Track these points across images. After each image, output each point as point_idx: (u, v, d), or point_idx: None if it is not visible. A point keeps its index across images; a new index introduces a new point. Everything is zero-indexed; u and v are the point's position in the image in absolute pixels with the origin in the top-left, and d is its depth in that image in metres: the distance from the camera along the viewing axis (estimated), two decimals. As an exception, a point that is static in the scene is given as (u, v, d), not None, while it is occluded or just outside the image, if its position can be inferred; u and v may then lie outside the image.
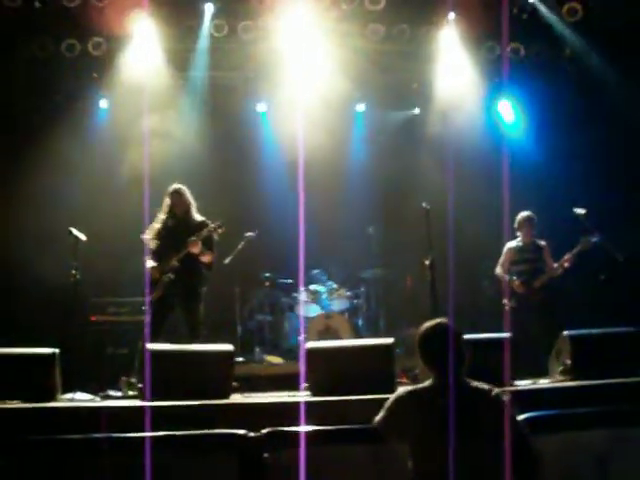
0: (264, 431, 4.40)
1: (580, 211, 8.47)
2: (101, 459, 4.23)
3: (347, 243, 10.74)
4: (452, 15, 10.17)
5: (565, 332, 6.90)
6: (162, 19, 9.84)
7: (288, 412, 5.41)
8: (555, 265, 8.66)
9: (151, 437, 4.37)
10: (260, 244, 9.90)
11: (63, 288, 7.88)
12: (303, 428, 4.52)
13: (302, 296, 10.26)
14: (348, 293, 10.46)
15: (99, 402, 6.67)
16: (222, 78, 10.97)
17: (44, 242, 9.34)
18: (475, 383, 3.96)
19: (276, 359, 9.79)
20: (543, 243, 8.85)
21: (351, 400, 5.88)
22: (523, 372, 6.92)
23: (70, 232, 7.62)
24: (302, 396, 6.33)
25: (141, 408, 5.66)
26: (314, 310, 10.23)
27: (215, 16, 9.92)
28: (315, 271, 10.61)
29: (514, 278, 8.70)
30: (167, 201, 7.96)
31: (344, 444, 4.50)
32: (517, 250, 8.84)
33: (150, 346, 6.53)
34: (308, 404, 5.88)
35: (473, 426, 3.80)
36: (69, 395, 6.71)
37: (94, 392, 7.08)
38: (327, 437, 4.51)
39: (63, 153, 9.94)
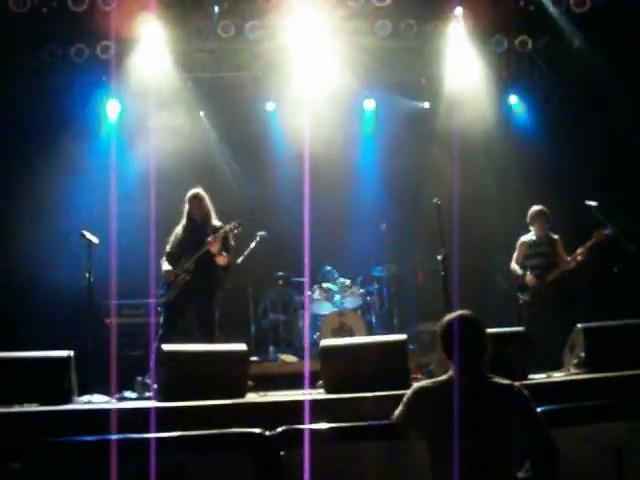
0: (280, 429, 4.41)
1: (592, 204, 8.45)
2: (117, 460, 4.25)
3: (359, 240, 10.74)
4: (459, 9, 10.16)
5: (579, 325, 6.87)
6: (169, 21, 9.87)
7: (303, 410, 5.41)
8: (568, 259, 8.64)
9: (167, 437, 4.40)
10: (272, 243, 9.93)
11: (77, 291, 7.92)
12: (318, 426, 4.53)
13: (314, 295, 10.29)
14: (361, 290, 10.47)
15: (115, 404, 6.69)
16: (230, 78, 11.00)
17: (57, 246, 9.41)
18: (496, 378, 3.94)
19: (290, 357, 9.80)
20: (556, 237, 8.83)
21: (366, 397, 5.88)
22: (537, 365, 6.92)
23: (83, 235, 7.65)
24: (317, 394, 6.34)
25: (156, 409, 5.68)
26: (327, 308, 10.23)
27: (222, 16, 9.94)
28: (327, 268, 10.62)
29: (527, 272, 8.70)
30: (186, 206, 7.97)
31: (359, 441, 4.50)
32: (530, 244, 8.82)
33: (165, 347, 6.55)
34: (323, 402, 5.90)
35: (493, 421, 3.78)
36: (85, 397, 6.74)
37: (109, 394, 7.11)
38: (342, 434, 4.52)
39: (73, 157, 10.00)
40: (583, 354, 6.69)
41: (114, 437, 4.61)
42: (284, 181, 10.85)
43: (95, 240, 7.70)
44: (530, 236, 8.86)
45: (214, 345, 7.05)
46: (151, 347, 7.79)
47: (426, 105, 11.60)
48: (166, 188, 8.92)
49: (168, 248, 7.92)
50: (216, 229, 7.81)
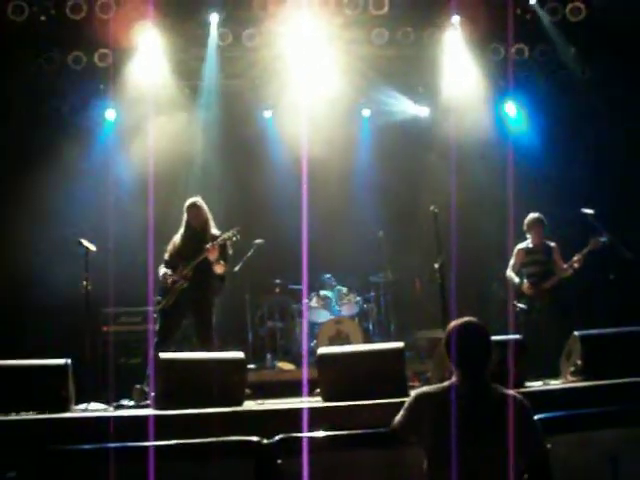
0: (277, 437, 4.41)
1: (588, 211, 8.47)
2: (115, 468, 4.26)
3: (357, 247, 10.75)
4: (456, 18, 10.19)
5: (576, 332, 6.89)
6: (167, 29, 9.89)
7: (301, 418, 5.42)
8: (565, 266, 8.66)
9: (165, 445, 4.40)
10: (269, 250, 9.93)
11: (75, 299, 7.92)
12: (316, 434, 4.54)
13: (312, 302, 10.30)
14: (358, 298, 10.48)
15: (112, 412, 6.70)
16: (228, 85, 11.00)
17: (54, 254, 9.39)
18: (498, 387, 3.92)
19: (288, 365, 9.81)
20: (553, 244, 8.85)
21: (363, 405, 5.89)
22: (534, 373, 6.93)
23: (80, 243, 7.65)
24: (314, 402, 6.35)
25: (154, 417, 5.68)
26: (324, 315, 10.24)
27: (219, 25, 9.97)
28: (327, 276, 10.63)
29: (524, 280, 8.72)
30: (184, 215, 7.98)
31: (357, 449, 4.51)
32: (527, 252, 8.84)
33: (162, 355, 6.56)
34: (320, 410, 5.91)
35: (494, 430, 3.76)
36: (83, 405, 6.74)
37: (107, 402, 7.11)
38: (340, 442, 4.53)
39: (71, 164, 10.00)
40: (580, 361, 6.71)
41: (112, 445, 4.61)
42: (281, 188, 10.85)
43: (92, 248, 7.70)
44: (527, 244, 8.88)
45: (211, 353, 7.04)
46: (148, 355, 7.80)
47: (424, 113, 11.60)
48: (164, 195, 8.93)
49: (167, 256, 7.93)
50: (215, 237, 7.81)
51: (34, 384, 6.22)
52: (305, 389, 6.67)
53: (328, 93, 10.65)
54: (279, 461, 4.30)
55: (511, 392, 3.94)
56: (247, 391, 6.66)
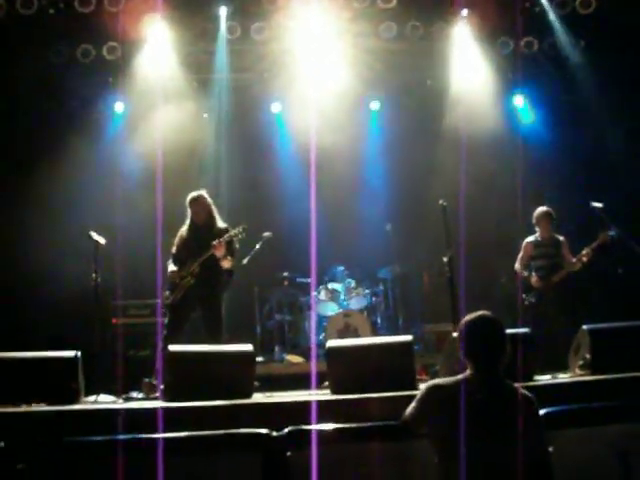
0: (286, 430, 4.42)
1: (597, 205, 8.44)
2: (124, 460, 4.27)
3: (365, 241, 10.74)
4: (464, 11, 10.18)
5: (584, 326, 6.88)
6: (175, 22, 9.92)
7: (309, 411, 5.43)
8: (574, 260, 8.64)
9: (174, 438, 4.41)
10: (278, 243, 9.93)
11: (84, 292, 7.94)
12: (325, 426, 4.54)
13: (320, 295, 10.31)
14: (366, 291, 10.48)
15: (121, 404, 6.72)
16: (236, 79, 11.00)
17: (64, 247, 9.42)
18: (511, 382, 3.92)
19: (296, 358, 9.83)
20: (561, 238, 8.84)
21: (372, 398, 5.89)
22: (543, 367, 6.93)
23: (89, 236, 7.66)
24: (323, 394, 6.36)
25: (163, 409, 5.70)
26: (332, 309, 10.24)
27: (228, 18, 9.97)
28: (339, 268, 10.61)
29: (532, 273, 8.71)
30: (188, 210, 7.98)
31: (365, 442, 4.51)
32: (536, 245, 8.83)
33: (171, 347, 6.58)
34: (329, 402, 5.92)
35: (506, 424, 3.75)
36: (92, 397, 6.77)
37: (116, 394, 7.14)
38: (348, 435, 4.52)
39: (80, 157, 10.01)
40: (588, 355, 6.69)
41: (121, 437, 4.63)
42: (289, 181, 10.86)
43: (102, 241, 7.71)
44: (535, 237, 8.87)
45: (220, 346, 7.05)
46: (157, 347, 7.82)
47: (431, 108, 11.54)
48: (172, 188, 8.94)
49: (174, 250, 7.94)
50: (221, 231, 7.79)
51: (44, 376, 6.25)
52: (314, 382, 6.67)
53: (336, 86, 10.65)
54: (288, 454, 4.31)
55: (521, 387, 3.94)
56: (256, 384, 6.67)
